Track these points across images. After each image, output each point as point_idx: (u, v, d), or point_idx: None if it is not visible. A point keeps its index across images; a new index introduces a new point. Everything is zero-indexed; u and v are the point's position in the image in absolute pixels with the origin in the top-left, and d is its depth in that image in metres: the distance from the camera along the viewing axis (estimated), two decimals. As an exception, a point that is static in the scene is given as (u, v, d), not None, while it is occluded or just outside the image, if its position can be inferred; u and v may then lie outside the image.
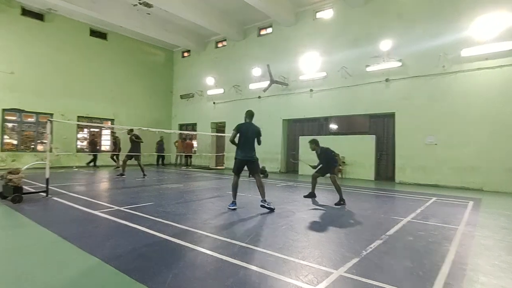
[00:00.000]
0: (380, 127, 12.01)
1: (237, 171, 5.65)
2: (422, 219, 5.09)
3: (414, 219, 5.04)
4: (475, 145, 9.37)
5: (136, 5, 13.83)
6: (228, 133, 15.09)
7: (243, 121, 5.85)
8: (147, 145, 16.26)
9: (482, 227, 4.66)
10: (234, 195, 5.69)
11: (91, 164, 15.12)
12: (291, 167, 14.63)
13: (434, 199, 7.30)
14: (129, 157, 10.50)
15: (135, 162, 10.79)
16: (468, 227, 4.62)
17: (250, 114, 5.84)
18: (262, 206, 5.56)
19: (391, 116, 11.41)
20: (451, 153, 9.79)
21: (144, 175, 10.54)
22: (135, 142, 10.44)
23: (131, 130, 10.58)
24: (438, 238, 3.97)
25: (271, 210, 5.47)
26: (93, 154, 14.96)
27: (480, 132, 9.32)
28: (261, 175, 11.71)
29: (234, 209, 5.52)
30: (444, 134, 9.96)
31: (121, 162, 11.99)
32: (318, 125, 13.73)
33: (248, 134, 5.60)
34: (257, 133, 5.69)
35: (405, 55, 10.79)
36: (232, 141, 5.61)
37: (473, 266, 3.04)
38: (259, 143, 5.77)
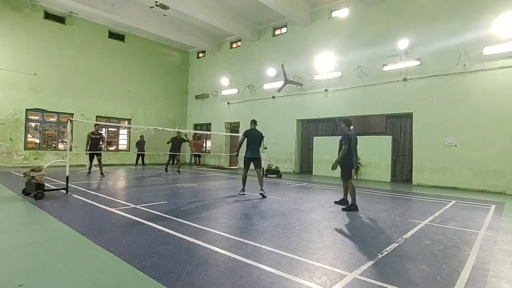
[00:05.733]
0: (397, 127, 11.74)
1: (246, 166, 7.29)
2: (440, 222, 4.93)
3: (432, 223, 4.89)
4: (497, 147, 9.01)
5: (152, 7, 14.09)
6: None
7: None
8: (162, 144, 16.67)
9: (505, 232, 4.47)
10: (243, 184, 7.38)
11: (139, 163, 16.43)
12: (305, 168, 14.53)
13: (453, 202, 7.07)
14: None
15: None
16: (489, 231, 4.45)
17: (254, 122, 7.48)
18: (260, 193, 6.98)
19: (409, 116, 11.14)
20: (472, 155, 9.45)
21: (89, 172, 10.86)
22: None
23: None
24: (457, 243, 3.85)
25: (264, 196, 6.89)
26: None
27: (503, 133, 8.95)
28: (275, 175, 11.87)
29: (243, 194, 7.23)
30: (464, 135, 9.63)
31: None
32: (333, 125, 13.57)
33: (254, 137, 7.22)
34: (260, 137, 7.32)
35: (424, 54, 10.49)
36: (240, 145, 7.46)
37: (495, 272, 2.92)
38: (262, 146, 7.43)
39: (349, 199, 6.00)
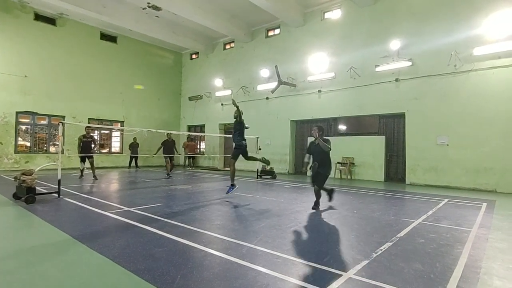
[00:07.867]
0: (390, 127, 11.85)
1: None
2: (433, 221, 4.99)
3: (425, 221, 4.95)
4: (488, 146, 9.16)
5: (145, 8, 14.01)
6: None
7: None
8: (156, 147, 16.51)
9: (496, 229, 4.54)
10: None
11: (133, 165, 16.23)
12: (299, 168, 14.56)
13: (446, 200, 7.15)
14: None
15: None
16: (481, 229, 4.51)
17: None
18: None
19: (401, 116, 11.25)
20: (464, 153, 9.59)
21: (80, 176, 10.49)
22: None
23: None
24: (450, 241, 3.89)
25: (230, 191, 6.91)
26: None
27: (493, 133, 9.10)
28: (269, 176, 11.87)
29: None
30: (456, 135, 9.76)
31: None
32: (326, 126, 13.62)
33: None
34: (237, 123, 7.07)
35: (416, 55, 10.63)
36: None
37: (487, 269, 2.96)
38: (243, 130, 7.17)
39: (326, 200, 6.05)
